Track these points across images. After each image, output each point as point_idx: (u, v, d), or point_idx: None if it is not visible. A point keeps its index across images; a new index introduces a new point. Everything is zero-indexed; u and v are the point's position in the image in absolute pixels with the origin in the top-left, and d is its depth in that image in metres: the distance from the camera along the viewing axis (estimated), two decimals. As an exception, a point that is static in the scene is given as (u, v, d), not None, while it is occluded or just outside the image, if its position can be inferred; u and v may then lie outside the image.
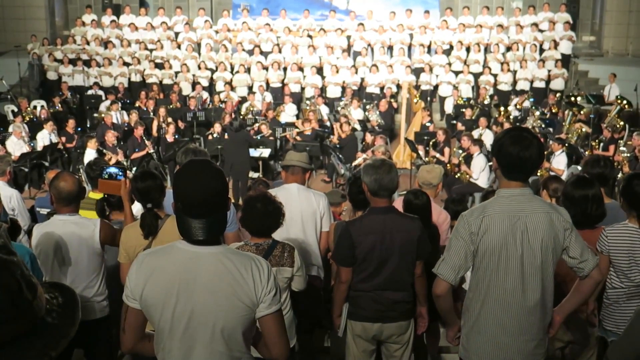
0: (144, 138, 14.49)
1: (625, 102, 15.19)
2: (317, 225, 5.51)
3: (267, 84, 18.51)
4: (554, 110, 16.63)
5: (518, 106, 16.93)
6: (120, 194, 4.99)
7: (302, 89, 18.67)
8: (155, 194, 4.62)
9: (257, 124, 15.64)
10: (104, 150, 13.55)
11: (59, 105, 17.53)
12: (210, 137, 15.13)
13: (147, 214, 4.48)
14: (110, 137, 14.18)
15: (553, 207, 3.69)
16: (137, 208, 5.16)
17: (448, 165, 13.47)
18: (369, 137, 14.94)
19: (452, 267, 3.65)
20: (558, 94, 17.58)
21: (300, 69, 18.86)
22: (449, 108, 17.90)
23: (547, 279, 3.62)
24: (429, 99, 18.33)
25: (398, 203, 5.55)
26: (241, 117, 16.63)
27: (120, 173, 5.03)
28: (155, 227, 4.45)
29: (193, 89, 18.53)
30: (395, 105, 17.79)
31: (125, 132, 15.56)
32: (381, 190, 4.52)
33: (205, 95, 18.17)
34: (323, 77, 18.67)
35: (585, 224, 4.58)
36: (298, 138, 15.15)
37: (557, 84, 18.17)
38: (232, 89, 18.28)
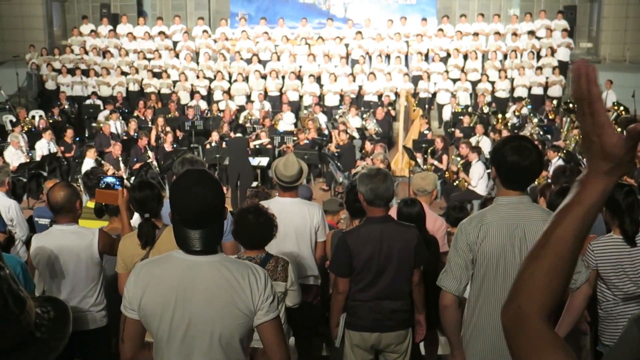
0: (147, 148, 14.52)
1: (622, 108, 15.22)
2: (312, 238, 5.49)
3: (266, 92, 18.52)
4: (551, 117, 16.67)
5: (517, 113, 16.96)
6: (118, 204, 4.99)
7: (300, 97, 18.71)
8: (153, 204, 4.61)
9: (255, 132, 15.67)
10: (102, 161, 13.55)
11: (58, 115, 17.54)
12: (208, 146, 15.15)
13: (144, 224, 4.47)
14: (117, 150, 14.13)
15: (551, 215, 3.68)
16: (135, 217, 5.17)
17: (447, 172, 13.49)
18: (368, 145, 14.95)
19: (454, 278, 3.66)
20: (555, 101, 17.63)
21: (299, 78, 18.90)
22: (447, 115, 17.93)
23: None
24: (427, 106, 18.34)
25: (395, 211, 5.55)
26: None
27: (118, 183, 5.04)
28: (152, 237, 4.44)
29: (191, 98, 18.56)
30: (393, 113, 17.80)
31: (123, 141, 15.58)
32: (377, 200, 4.52)
33: (203, 104, 18.20)
34: (321, 86, 18.70)
35: None
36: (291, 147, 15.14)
37: (555, 91, 18.20)
38: (230, 97, 18.31)
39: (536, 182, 10.25)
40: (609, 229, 4.63)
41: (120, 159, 14.10)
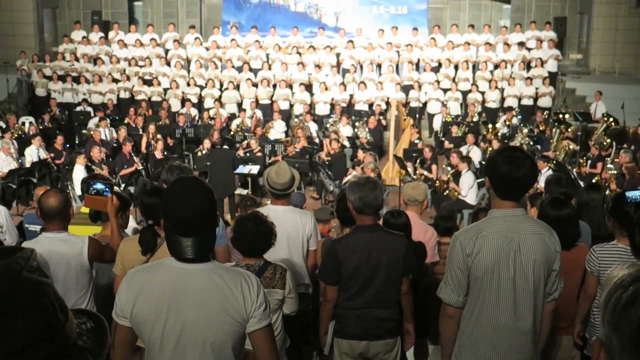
0: (132, 154, 14.48)
1: (611, 119, 15.32)
2: (303, 246, 5.48)
3: (257, 100, 18.53)
4: (541, 128, 16.74)
5: (507, 123, 17.03)
6: (107, 210, 4.98)
7: (291, 105, 18.73)
8: (160, 212, 4.59)
9: (246, 141, 15.67)
10: (93, 167, 13.51)
11: (48, 121, 17.49)
12: (199, 153, 15.14)
13: (147, 230, 4.46)
14: (96, 153, 14.10)
15: (546, 228, 3.71)
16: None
17: (437, 182, 13.51)
18: (361, 154, 14.95)
19: (453, 290, 3.67)
20: (545, 112, 17.71)
21: (290, 86, 18.92)
22: (437, 125, 17.98)
23: (539, 299, 3.65)
24: (417, 116, 18.39)
25: (381, 222, 5.56)
26: (230, 134, 16.69)
27: (107, 189, 5.02)
28: (153, 244, 4.42)
29: (182, 105, 18.54)
30: (384, 122, 17.84)
31: (113, 148, 15.54)
32: (366, 208, 4.53)
33: (194, 112, 18.20)
34: (312, 94, 18.73)
35: (562, 245, 4.62)
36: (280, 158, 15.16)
37: (545, 102, 18.29)
38: (221, 105, 18.31)
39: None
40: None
41: (102, 160, 14.09)
